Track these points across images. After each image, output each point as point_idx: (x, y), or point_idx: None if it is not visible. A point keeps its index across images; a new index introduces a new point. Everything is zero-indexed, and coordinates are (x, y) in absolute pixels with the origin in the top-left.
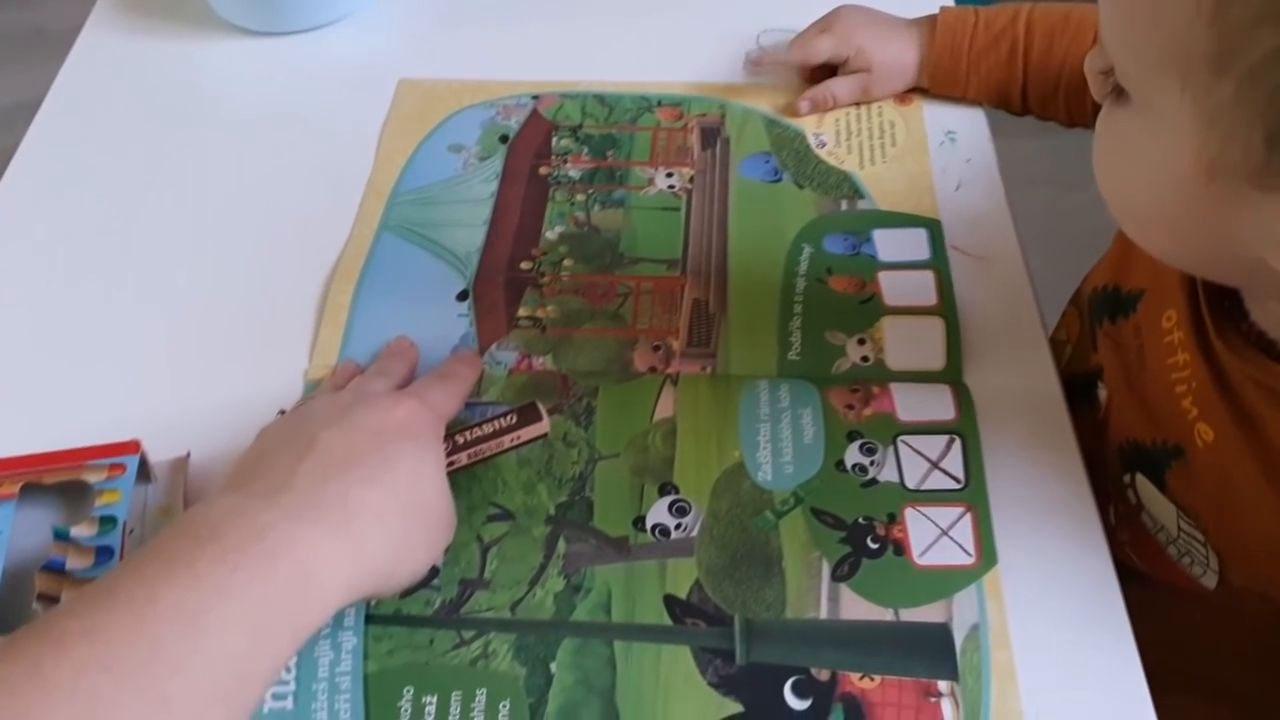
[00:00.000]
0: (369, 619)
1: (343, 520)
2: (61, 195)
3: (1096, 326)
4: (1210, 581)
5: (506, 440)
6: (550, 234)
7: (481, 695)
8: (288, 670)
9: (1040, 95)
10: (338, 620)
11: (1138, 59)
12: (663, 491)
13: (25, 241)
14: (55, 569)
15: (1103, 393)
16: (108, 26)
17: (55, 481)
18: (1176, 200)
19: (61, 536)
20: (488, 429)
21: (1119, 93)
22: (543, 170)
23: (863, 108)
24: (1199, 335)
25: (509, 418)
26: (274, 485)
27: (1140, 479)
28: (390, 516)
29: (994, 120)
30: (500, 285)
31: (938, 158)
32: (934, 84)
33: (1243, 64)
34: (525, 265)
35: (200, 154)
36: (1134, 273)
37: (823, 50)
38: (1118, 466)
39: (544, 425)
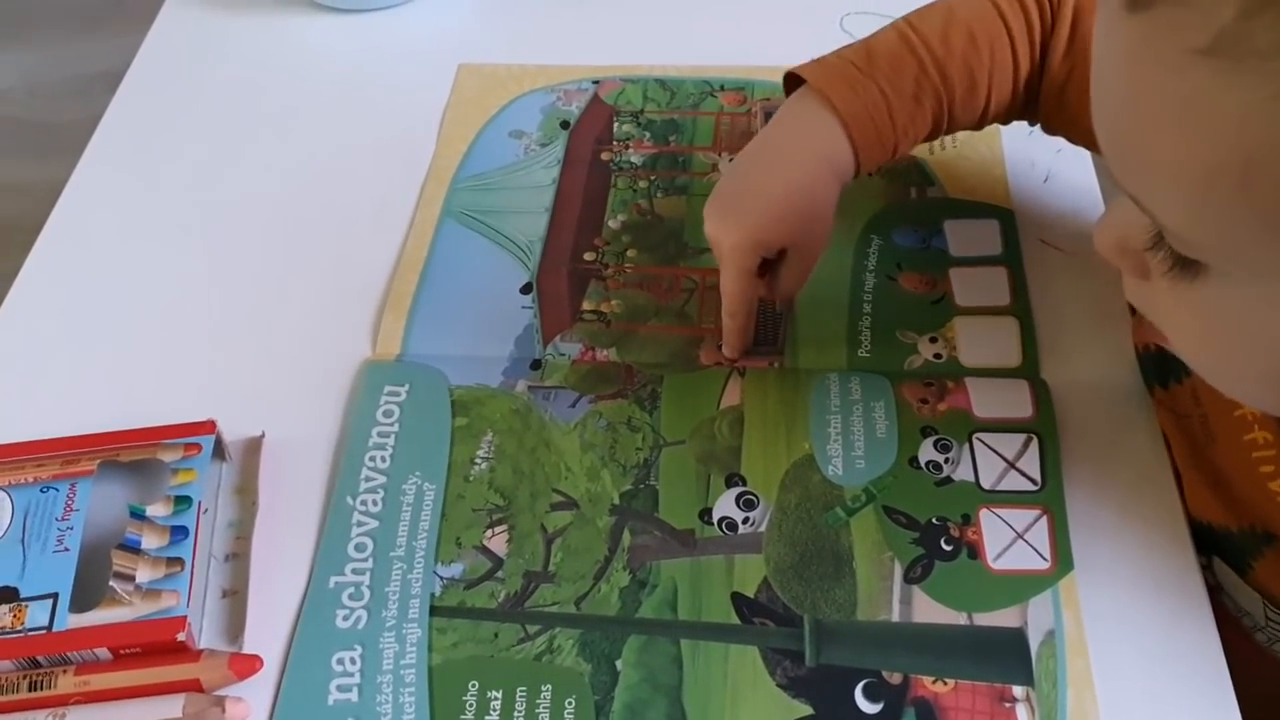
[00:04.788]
0: (433, 611)
1: None
2: (140, 171)
3: (1149, 391)
4: None
5: None
6: (613, 223)
7: (547, 691)
8: (353, 663)
9: (966, 125)
10: (402, 611)
11: (1227, 235)
12: (730, 483)
13: (103, 218)
14: (131, 547)
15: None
16: (188, 2)
17: (131, 460)
18: None
19: (138, 515)
20: None
21: (1186, 264)
22: (604, 156)
23: None
24: None
25: None
26: None
27: (1219, 563)
28: None
29: None
30: (564, 277)
31: (1010, 140)
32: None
33: None
34: (589, 256)
35: (273, 132)
36: None
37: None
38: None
39: None
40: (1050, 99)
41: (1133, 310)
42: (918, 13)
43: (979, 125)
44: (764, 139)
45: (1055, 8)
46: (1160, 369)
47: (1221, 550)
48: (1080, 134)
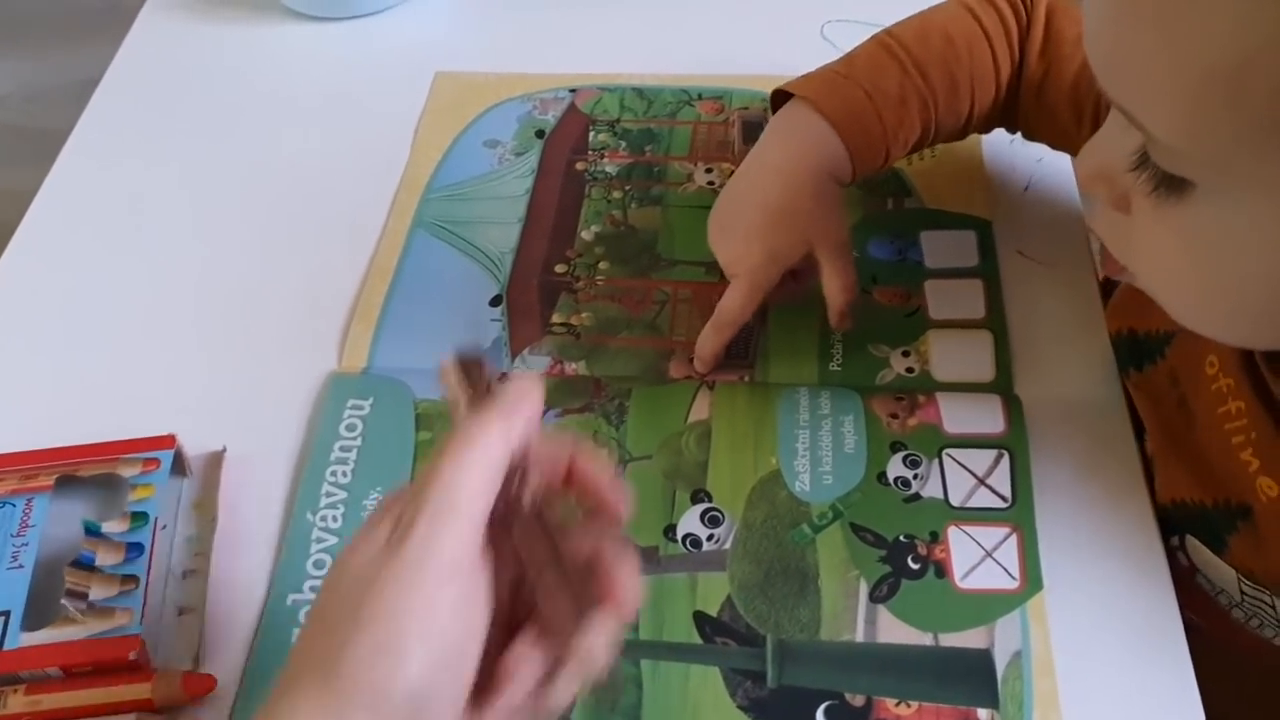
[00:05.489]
0: None
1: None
2: (108, 181)
3: (1124, 375)
4: None
5: None
6: (586, 234)
7: None
8: None
9: (951, 128)
10: None
11: (1219, 144)
12: (695, 499)
13: (68, 230)
14: (85, 564)
15: (1144, 447)
16: (165, 7)
17: (90, 474)
18: None
19: (93, 531)
20: None
21: (1171, 183)
22: (579, 166)
23: None
24: (1253, 379)
25: None
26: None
27: (1191, 541)
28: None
29: None
30: (534, 289)
31: (990, 149)
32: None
33: None
34: (560, 268)
35: (244, 141)
36: (1151, 314)
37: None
38: (1163, 528)
39: None
40: (1028, 98)
41: (1104, 295)
42: (895, 24)
43: (965, 130)
44: (754, 154)
45: (1029, 8)
46: (1134, 352)
47: (1197, 529)
48: (1060, 135)
